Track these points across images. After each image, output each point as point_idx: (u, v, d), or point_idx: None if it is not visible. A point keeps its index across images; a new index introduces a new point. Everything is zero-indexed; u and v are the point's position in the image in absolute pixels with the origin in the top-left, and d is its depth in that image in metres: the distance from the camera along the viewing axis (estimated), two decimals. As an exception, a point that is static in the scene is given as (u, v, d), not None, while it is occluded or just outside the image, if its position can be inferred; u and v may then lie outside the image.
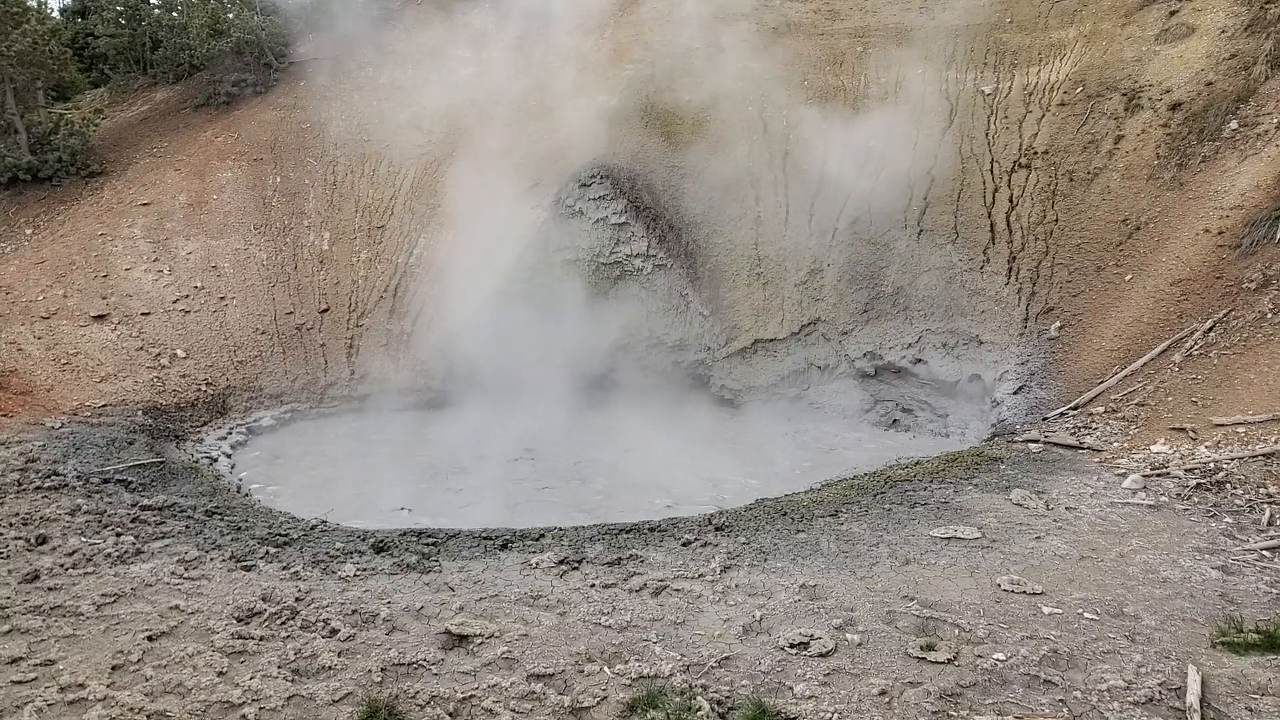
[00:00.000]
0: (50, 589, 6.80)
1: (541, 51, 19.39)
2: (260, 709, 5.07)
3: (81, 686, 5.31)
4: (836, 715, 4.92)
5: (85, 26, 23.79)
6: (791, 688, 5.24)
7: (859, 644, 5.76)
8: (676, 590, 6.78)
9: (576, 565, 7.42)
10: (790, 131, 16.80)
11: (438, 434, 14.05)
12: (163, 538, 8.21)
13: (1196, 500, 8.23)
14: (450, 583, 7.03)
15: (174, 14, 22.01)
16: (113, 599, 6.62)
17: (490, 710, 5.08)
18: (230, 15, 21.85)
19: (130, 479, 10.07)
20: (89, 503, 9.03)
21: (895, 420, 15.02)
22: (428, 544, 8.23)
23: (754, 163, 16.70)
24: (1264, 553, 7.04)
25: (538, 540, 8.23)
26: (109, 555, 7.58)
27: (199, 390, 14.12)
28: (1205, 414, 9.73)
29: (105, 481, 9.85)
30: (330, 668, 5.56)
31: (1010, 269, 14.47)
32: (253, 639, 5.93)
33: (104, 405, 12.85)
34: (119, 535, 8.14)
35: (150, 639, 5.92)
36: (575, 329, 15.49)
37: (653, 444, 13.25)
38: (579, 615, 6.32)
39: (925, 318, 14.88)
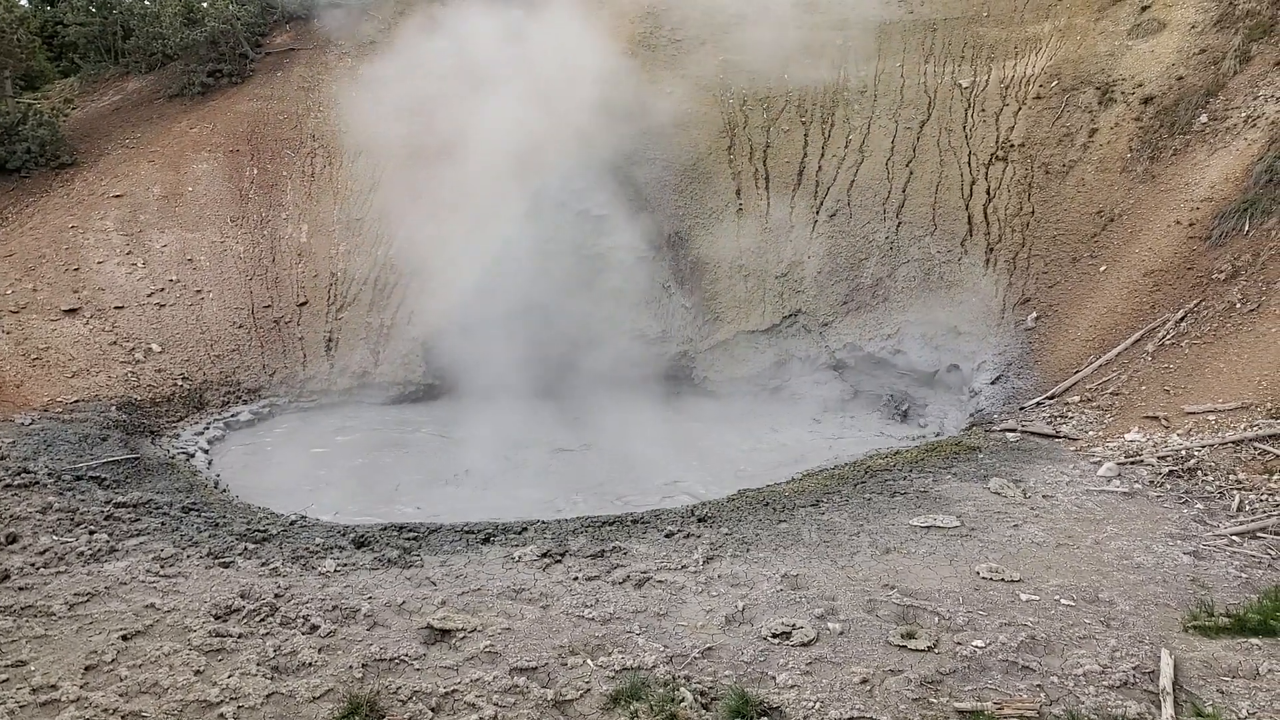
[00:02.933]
0: (21, 589, 6.67)
1: (522, 43, 19.20)
2: (239, 707, 5.02)
3: (54, 688, 5.22)
4: (819, 704, 4.96)
5: (54, 14, 23.15)
6: (774, 677, 5.27)
7: (840, 633, 5.81)
8: (659, 582, 6.79)
9: (559, 558, 7.41)
10: (771, 125, 16.85)
11: (421, 428, 13.93)
12: (138, 535, 8.08)
13: (1169, 487, 8.38)
14: (432, 577, 6.99)
15: (146, 2, 21.50)
16: (86, 598, 6.51)
17: (473, 705, 5.06)
18: (204, 4, 21.38)
19: (104, 476, 9.89)
20: (61, 500, 8.86)
21: (876, 410, 15.11)
22: (409, 538, 8.18)
23: (736, 155, 16.72)
24: (1234, 538, 7.19)
25: (520, 534, 8.21)
26: (82, 554, 7.45)
27: (175, 385, 13.89)
28: (1177, 402, 9.92)
29: (78, 478, 9.67)
30: (310, 664, 5.50)
31: (988, 260, 14.61)
32: (231, 636, 5.86)
33: (76, 401, 12.60)
34: (92, 533, 8.00)
35: (125, 638, 5.83)
36: (557, 322, 15.42)
37: (635, 436, 13.25)
38: (562, 608, 6.31)
39: (904, 309, 14.99)
